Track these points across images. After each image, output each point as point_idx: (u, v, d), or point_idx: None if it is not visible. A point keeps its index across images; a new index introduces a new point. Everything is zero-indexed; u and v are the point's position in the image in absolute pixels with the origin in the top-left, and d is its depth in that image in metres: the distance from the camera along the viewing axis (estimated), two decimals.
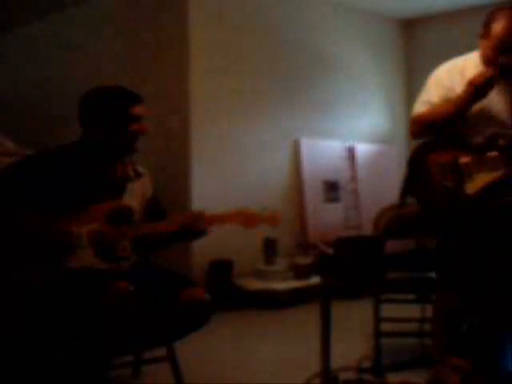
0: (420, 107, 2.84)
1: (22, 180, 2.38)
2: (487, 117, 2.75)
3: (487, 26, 2.71)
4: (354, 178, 5.77)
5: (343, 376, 2.83)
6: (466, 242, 2.55)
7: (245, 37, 5.15)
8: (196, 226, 2.46)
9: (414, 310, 3.17)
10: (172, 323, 2.48)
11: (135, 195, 2.58)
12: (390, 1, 5.81)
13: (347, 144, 5.79)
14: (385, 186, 5.62)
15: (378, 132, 6.15)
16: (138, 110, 2.49)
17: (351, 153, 5.81)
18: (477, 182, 2.68)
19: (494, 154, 2.68)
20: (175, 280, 2.56)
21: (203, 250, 4.74)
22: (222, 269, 4.77)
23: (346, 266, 2.60)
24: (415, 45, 6.24)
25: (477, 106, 2.73)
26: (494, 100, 2.76)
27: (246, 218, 2.44)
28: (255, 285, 4.82)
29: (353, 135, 5.84)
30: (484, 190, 2.65)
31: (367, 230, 4.85)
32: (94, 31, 5.66)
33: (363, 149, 5.86)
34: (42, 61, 6.26)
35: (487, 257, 2.54)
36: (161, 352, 2.75)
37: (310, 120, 5.56)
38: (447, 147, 2.75)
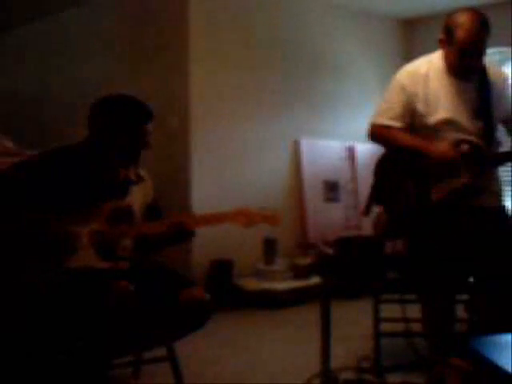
0: (382, 116, 2.87)
1: (24, 180, 2.38)
2: (451, 122, 2.75)
3: (449, 31, 2.70)
4: (353, 178, 5.77)
5: (343, 376, 2.84)
6: (434, 246, 2.57)
7: (244, 37, 5.14)
8: (184, 225, 2.45)
9: (414, 310, 3.17)
10: (172, 323, 2.48)
11: (136, 198, 2.59)
12: (390, 1, 5.81)
13: (347, 144, 5.78)
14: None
15: None
16: (149, 127, 2.52)
17: (351, 153, 5.81)
18: (442, 188, 2.69)
19: (456, 160, 2.68)
20: (175, 280, 2.57)
21: (203, 250, 4.75)
22: (222, 269, 4.77)
23: (346, 265, 2.60)
24: (415, 45, 6.23)
25: (441, 113, 2.74)
26: (457, 106, 2.76)
27: (246, 218, 2.43)
28: (255, 285, 4.82)
29: (353, 135, 5.83)
30: (449, 195, 2.67)
31: (367, 230, 4.85)
32: (94, 32, 5.66)
33: (363, 149, 5.84)
34: (42, 61, 6.26)
35: (457, 259, 2.56)
36: (161, 352, 2.75)
37: (309, 120, 5.55)
38: (412, 155, 2.77)
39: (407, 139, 2.79)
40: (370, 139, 2.94)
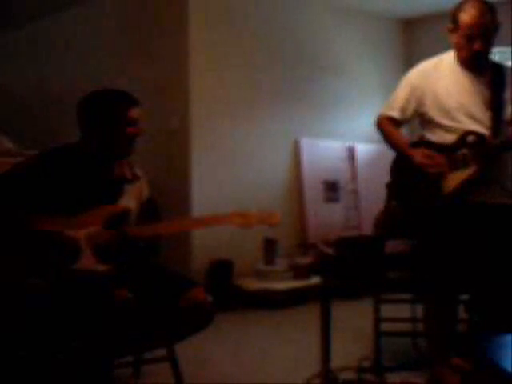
0: (385, 108, 3.01)
1: (20, 180, 2.38)
2: (462, 110, 2.78)
3: (454, 19, 2.76)
4: (354, 178, 5.77)
5: (343, 376, 2.84)
6: (443, 242, 2.56)
7: (245, 37, 5.15)
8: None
9: (413, 310, 3.17)
10: (174, 325, 2.47)
11: (132, 197, 2.58)
12: (390, 1, 5.81)
13: (347, 144, 5.79)
14: (385, 186, 5.62)
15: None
16: (134, 112, 2.49)
17: (351, 153, 5.81)
18: (451, 181, 2.71)
19: (464, 151, 2.71)
20: (177, 281, 2.56)
21: (203, 249, 4.75)
22: (222, 269, 4.77)
23: (346, 265, 2.59)
24: (415, 45, 6.23)
25: (452, 102, 2.78)
26: (468, 95, 2.79)
27: (244, 219, 2.43)
28: (255, 285, 4.82)
29: (353, 135, 5.84)
30: (458, 188, 2.69)
31: (367, 230, 4.85)
32: (94, 31, 5.66)
33: (363, 149, 5.85)
34: (42, 61, 6.26)
35: (467, 256, 2.55)
36: (161, 352, 2.74)
37: (309, 120, 5.56)
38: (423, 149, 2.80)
39: (397, 139, 2.94)
40: (376, 129, 3.09)
